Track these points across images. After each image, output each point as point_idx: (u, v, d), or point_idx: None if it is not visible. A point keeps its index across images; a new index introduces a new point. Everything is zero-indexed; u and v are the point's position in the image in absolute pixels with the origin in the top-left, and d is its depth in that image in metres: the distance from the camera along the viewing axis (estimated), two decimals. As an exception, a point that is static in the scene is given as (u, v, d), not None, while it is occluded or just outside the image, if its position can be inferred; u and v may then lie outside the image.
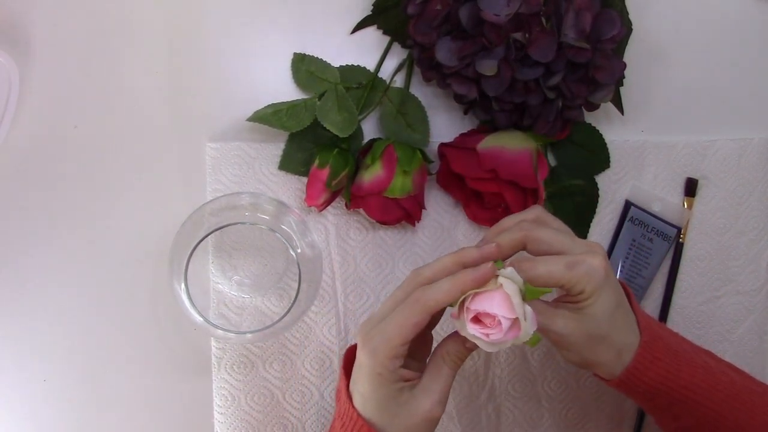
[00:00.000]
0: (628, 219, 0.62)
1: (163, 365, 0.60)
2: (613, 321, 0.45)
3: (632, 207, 0.62)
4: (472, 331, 0.41)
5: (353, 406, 0.45)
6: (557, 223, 0.48)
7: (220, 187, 0.60)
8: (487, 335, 0.41)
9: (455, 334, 0.45)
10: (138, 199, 0.60)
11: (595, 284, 0.44)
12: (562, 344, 0.46)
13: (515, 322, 0.41)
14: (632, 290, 0.54)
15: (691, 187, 0.62)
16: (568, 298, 0.46)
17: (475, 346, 0.44)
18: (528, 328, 0.41)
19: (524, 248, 0.46)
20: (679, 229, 0.62)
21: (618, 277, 0.62)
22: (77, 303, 0.60)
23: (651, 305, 0.63)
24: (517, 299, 0.41)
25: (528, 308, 0.42)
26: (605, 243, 0.62)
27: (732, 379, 0.49)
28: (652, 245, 0.62)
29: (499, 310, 0.40)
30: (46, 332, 0.59)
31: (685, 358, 0.48)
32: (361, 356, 0.44)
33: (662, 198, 0.62)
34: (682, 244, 0.62)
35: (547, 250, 0.45)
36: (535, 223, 0.47)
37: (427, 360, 0.46)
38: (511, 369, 0.62)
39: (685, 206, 0.62)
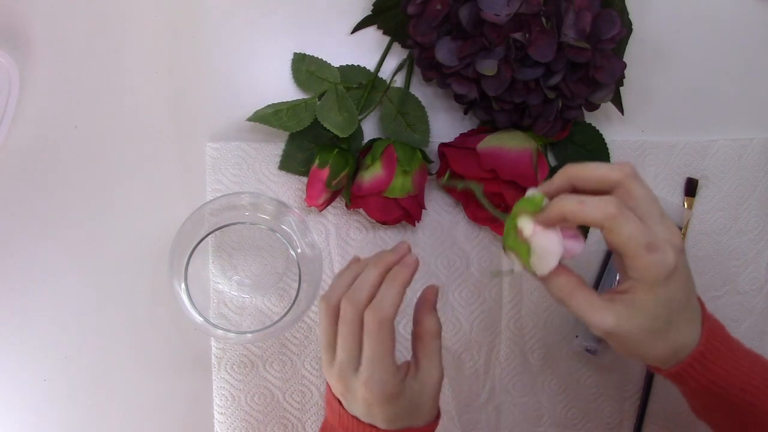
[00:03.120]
0: (628, 219, 0.61)
1: (163, 365, 0.60)
2: (672, 319, 0.43)
3: (632, 207, 0.62)
4: (565, 245, 0.43)
5: (367, 424, 0.46)
6: (649, 189, 0.44)
7: (220, 187, 0.60)
8: (578, 245, 0.43)
9: (420, 312, 0.47)
10: (138, 199, 0.60)
11: (656, 279, 0.41)
12: (613, 339, 0.43)
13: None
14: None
15: (691, 187, 0.62)
16: (625, 286, 0.43)
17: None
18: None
19: (607, 192, 0.43)
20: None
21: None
22: (77, 303, 0.60)
23: (651, 305, 0.63)
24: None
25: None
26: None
27: None
28: (652, 245, 0.61)
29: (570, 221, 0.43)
30: (46, 332, 0.59)
31: (747, 362, 0.45)
32: (366, 403, 0.45)
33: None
34: (682, 244, 0.62)
35: (631, 208, 0.42)
36: (633, 177, 0.43)
37: (412, 345, 0.48)
38: (511, 369, 0.62)
39: (685, 206, 0.62)
